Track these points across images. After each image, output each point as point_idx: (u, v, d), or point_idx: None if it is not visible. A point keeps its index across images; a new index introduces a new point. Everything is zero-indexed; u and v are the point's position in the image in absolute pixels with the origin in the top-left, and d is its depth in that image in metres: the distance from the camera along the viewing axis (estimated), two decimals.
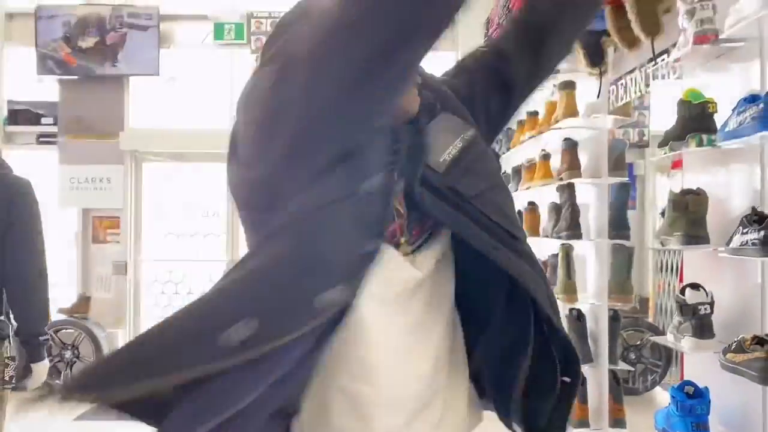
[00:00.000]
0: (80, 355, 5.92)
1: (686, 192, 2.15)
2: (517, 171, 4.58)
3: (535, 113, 4.17)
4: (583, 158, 3.54)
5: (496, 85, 1.17)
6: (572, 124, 3.42)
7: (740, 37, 2.00)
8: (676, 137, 2.19)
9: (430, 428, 1.00)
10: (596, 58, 3.08)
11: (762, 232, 1.68)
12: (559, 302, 3.47)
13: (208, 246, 6.72)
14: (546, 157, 3.88)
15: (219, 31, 6.43)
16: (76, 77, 6.43)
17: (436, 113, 1.04)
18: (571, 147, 3.45)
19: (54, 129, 6.47)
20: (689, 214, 2.10)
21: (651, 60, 2.55)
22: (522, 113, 4.51)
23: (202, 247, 6.72)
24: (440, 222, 1.01)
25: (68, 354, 5.88)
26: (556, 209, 3.62)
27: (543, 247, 4.01)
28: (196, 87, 6.65)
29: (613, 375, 3.28)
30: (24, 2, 6.47)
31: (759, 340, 1.75)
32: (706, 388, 2.14)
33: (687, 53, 2.12)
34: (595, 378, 3.34)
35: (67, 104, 6.45)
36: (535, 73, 1.21)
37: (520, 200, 4.59)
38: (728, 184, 2.17)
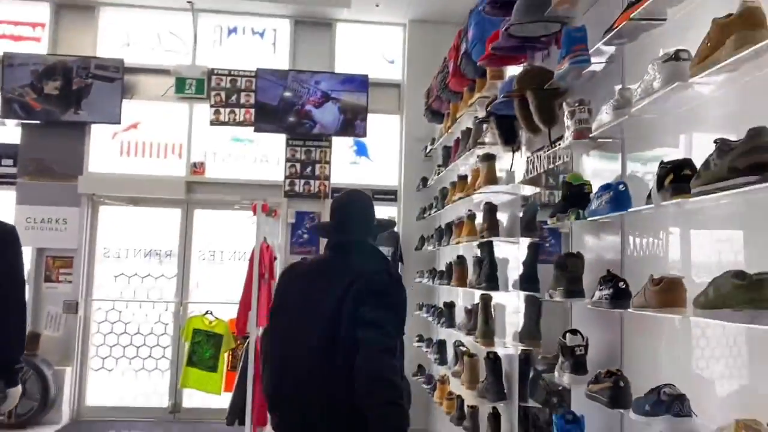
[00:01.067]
0: (25, 392, 6.04)
1: (567, 255, 2.67)
2: (449, 227, 5.10)
3: (465, 177, 4.71)
4: (503, 218, 4.08)
5: None
6: (492, 190, 3.97)
7: (607, 135, 2.55)
8: (561, 210, 2.72)
9: None
10: (510, 138, 3.64)
11: (611, 290, 2.19)
12: (478, 345, 3.95)
13: (159, 287, 6.97)
14: (471, 217, 4.42)
15: (180, 85, 6.86)
16: (38, 122, 6.72)
17: None
18: (490, 210, 3.99)
19: (13, 170, 6.71)
20: (569, 273, 2.62)
21: (550, 144, 3.11)
22: (454, 176, 5.08)
23: (153, 289, 6.97)
24: None
25: None
26: (478, 263, 4.13)
27: (467, 297, 4.48)
28: (155, 135, 7.00)
29: (524, 411, 3.73)
30: None
31: (610, 373, 2.24)
32: (582, 415, 2.62)
33: (569, 144, 2.68)
34: (508, 413, 3.80)
35: (28, 147, 6.72)
36: None
37: (451, 254, 5.11)
38: (600, 249, 2.71)
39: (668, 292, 1.84)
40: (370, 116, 6.93)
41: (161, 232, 6.96)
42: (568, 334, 2.63)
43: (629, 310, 2.11)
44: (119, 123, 6.77)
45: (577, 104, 2.64)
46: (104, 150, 6.91)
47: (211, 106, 6.85)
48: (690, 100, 2.03)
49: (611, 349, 2.58)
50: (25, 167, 6.69)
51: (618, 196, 2.22)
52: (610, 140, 2.61)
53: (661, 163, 1.95)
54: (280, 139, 6.95)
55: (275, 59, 7.12)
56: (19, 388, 2.81)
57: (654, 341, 2.30)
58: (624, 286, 2.19)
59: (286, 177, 6.91)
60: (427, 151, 6.51)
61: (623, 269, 2.51)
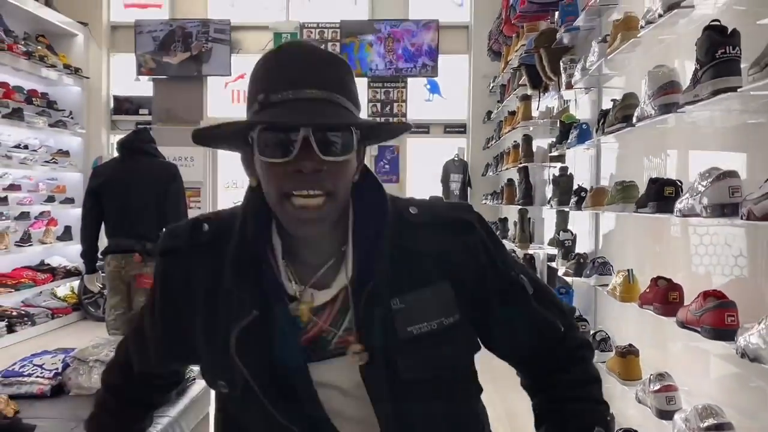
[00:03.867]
0: None
1: (561, 174, 3.66)
2: (502, 155, 6.07)
3: (513, 112, 5.64)
4: (543, 144, 5.02)
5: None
6: (527, 124, 4.91)
7: (588, 86, 3.47)
8: (558, 142, 3.69)
9: None
10: (537, 82, 4.55)
11: (575, 198, 3.19)
12: (516, 248, 5.00)
13: None
14: (516, 146, 5.37)
15: (277, 39, 8.01)
16: (165, 77, 8.13)
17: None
18: (527, 140, 4.94)
19: (149, 118, 8.19)
20: (561, 188, 3.61)
21: (558, 90, 4.03)
22: (505, 112, 6.01)
23: None
24: None
25: None
26: (519, 184, 5.12)
27: (513, 211, 5.50)
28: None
29: None
30: (125, 17, 8.20)
31: (578, 255, 3.27)
32: (572, 288, 3.67)
33: (564, 92, 3.62)
34: None
35: (159, 98, 8.17)
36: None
37: (504, 178, 6.10)
38: (582, 168, 3.67)
39: (594, 197, 2.83)
40: (441, 57, 7.85)
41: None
42: (561, 232, 3.65)
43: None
44: (230, 74, 8.07)
45: (569, 61, 3.56)
46: (219, 98, 8.26)
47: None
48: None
49: (588, 242, 3.59)
50: (158, 115, 8.16)
51: (582, 132, 3.18)
52: (592, 89, 3.53)
53: (600, 111, 2.90)
54: (362, 81, 8.02)
55: (357, 10, 8.10)
56: None
57: (618, 233, 3.29)
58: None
59: (369, 116, 8.01)
60: (491, 87, 7.39)
61: (598, 182, 3.48)
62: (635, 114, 2.35)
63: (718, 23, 1.83)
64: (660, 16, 2.15)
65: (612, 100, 2.59)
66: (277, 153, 0.91)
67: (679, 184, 2.16)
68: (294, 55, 0.96)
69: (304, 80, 0.92)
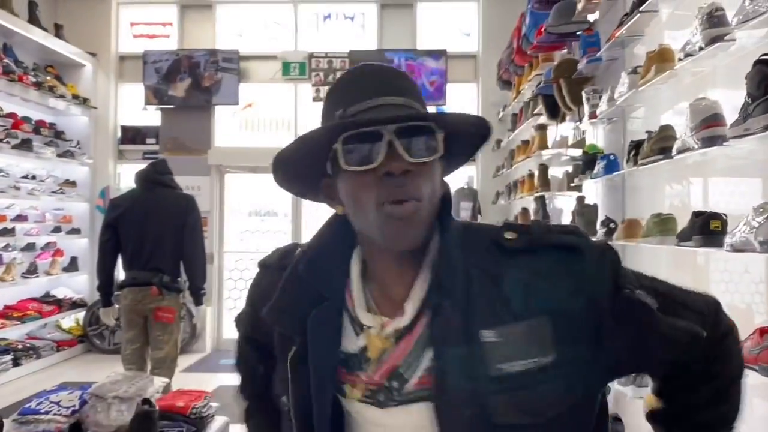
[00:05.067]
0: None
1: (584, 205, 3.62)
2: (515, 183, 6.05)
3: (527, 141, 5.64)
4: (558, 173, 5.00)
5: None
6: (544, 153, 4.89)
7: (612, 116, 3.46)
8: (581, 172, 3.66)
9: None
10: (554, 113, 4.54)
11: (604, 229, 3.15)
12: None
13: (277, 242, 8.35)
14: (531, 175, 5.35)
15: (286, 68, 8.05)
16: (172, 106, 8.13)
17: None
18: (542, 170, 4.92)
19: (156, 147, 8.18)
20: (585, 218, 3.58)
21: (579, 120, 4.02)
22: (519, 140, 6.00)
23: (273, 243, 8.35)
24: None
25: None
26: (534, 214, 5.09)
27: None
28: (266, 112, 8.27)
29: None
30: (133, 47, 8.24)
31: None
32: None
33: (584, 123, 3.60)
34: None
35: (167, 127, 8.17)
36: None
37: (518, 206, 6.07)
38: (604, 199, 3.64)
39: (628, 229, 2.79)
40: (449, 85, 7.87)
41: (276, 196, 8.27)
42: None
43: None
44: (238, 104, 8.08)
45: (592, 92, 3.55)
46: (227, 127, 8.26)
47: (312, 85, 8.00)
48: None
49: None
50: (165, 144, 8.14)
51: (609, 163, 3.16)
52: (615, 119, 3.52)
53: (631, 142, 2.88)
54: None
55: (365, 40, 8.15)
56: (204, 307, 4.12)
57: (646, 265, 3.24)
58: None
59: None
60: (500, 116, 7.40)
61: (625, 214, 3.44)
62: (675, 146, 2.32)
63: None
64: (701, 48, 2.13)
65: (647, 132, 2.58)
66: (364, 160, 0.89)
67: (724, 217, 2.12)
68: (366, 71, 0.97)
69: (381, 90, 0.93)
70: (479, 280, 0.91)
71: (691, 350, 0.96)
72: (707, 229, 2.10)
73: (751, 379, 1.98)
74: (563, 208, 4.95)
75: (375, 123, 0.88)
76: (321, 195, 1.01)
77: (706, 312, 0.98)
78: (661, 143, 2.40)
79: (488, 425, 0.87)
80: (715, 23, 2.08)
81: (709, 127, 2.09)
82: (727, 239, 1.96)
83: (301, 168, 0.99)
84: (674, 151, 2.32)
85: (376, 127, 0.88)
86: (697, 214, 2.19)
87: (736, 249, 1.91)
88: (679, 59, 2.33)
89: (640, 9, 2.72)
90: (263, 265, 1.11)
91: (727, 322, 1.00)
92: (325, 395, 0.94)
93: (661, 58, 2.43)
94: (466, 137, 0.99)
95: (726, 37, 2.04)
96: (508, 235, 0.95)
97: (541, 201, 4.90)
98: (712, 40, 2.08)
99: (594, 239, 3.00)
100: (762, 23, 1.85)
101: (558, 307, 0.89)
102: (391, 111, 0.90)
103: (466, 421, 0.87)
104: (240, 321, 1.15)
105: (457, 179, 7.76)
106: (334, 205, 0.99)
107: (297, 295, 0.98)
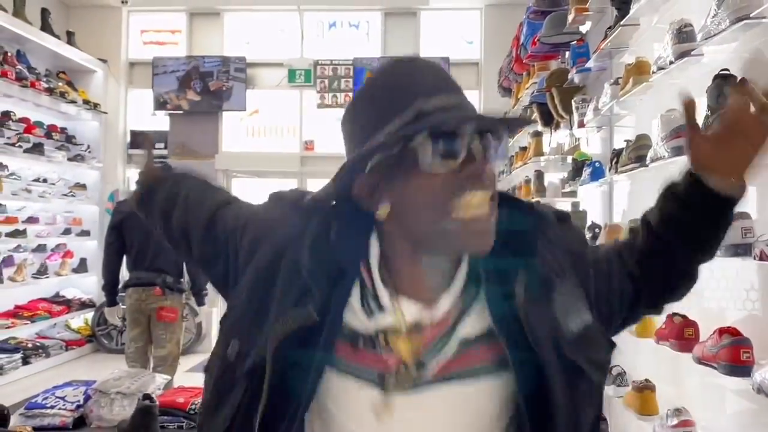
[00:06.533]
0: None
1: (574, 211, 3.73)
2: (513, 189, 6.15)
3: (525, 147, 5.74)
4: (555, 179, 5.10)
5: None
6: (539, 160, 5.00)
7: (600, 125, 3.57)
8: (571, 179, 3.77)
9: None
10: (548, 120, 4.65)
11: (590, 234, 3.26)
12: None
13: None
14: (527, 181, 5.45)
15: (291, 75, 8.20)
16: (181, 112, 8.31)
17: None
18: (538, 176, 5.02)
19: (164, 152, 8.34)
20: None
21: (570, 128, 4.13)
22: (517, 147, 6.11)
23: None
24: None
25: None
26: None
27: None
28: (273, 119, 8.43)
29: None
30: (142, 53, 8.42)
31: None
32: None
33: (575, 131, 3.71)
34: None
35: (175, 133, 8.34)
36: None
37: None
38: (594, 205, 3.74)
39: (609, 234, 2.90)
40: None
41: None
42: None
43: None
44: (245, 110, 8.24)
45: (581, 101, 3.66)
46: (234, 132, 8.42)
47: (317, 92, 8.15)
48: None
49: None
50: (173, 149, 8.31)
51: (595, 170, 3.27)
52: (603, 127, 3.62)
53: (613, 150, 2.99)
54: None
55: (369, 48, 8.29)
56: (207, 308, 4.26)
57: None
58: None
59: None
60: None
61: (612, 219, 3.55)
62: (649, 155, 2.43)
63: (727, 71, 1.92)
64: (671, 63, 2.24)
65: (625, 140, 2.69)
66: (446, 160, 0.85)
67: None
68: (419, 65, 0.93)
69: (445, 87, 0.89)
70: (512, 257, 0.92)
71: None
72: None
73: (712, 378, 2.09)
74: None
75: (454, 132, 0.85)
76: (349, 195, 0.93)
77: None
78: (638, 152, 2.51)
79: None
80: (684, 38, 2.20)
81: (679, 137, 2.20)
82: None
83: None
84: (648, 160, 2.43)
85: (463, 127, 0.85)
86: None
87: None
88: (653, 72, 2.44)
89: (621, 23, 2.83)
90: (274, 197, 1.09)
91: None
92: (316, 363, 0.90)
93: (638, 71, 2.55)
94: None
95: (693, 52, 2.15)
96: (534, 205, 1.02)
97: None
98: (680, 55, 2.19)
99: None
100: (722, 39, 1.96)
101: (578, 264, 0.97)
102: (466, 111, 0.88)
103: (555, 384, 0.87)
104: (240, 210, 1.13)
105: None
106: (374, 205, 0.91)
107: (326, 255, 0.93)
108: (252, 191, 8.45)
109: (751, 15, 1.81)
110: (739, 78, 1.89)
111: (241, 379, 0.93)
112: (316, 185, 1.05)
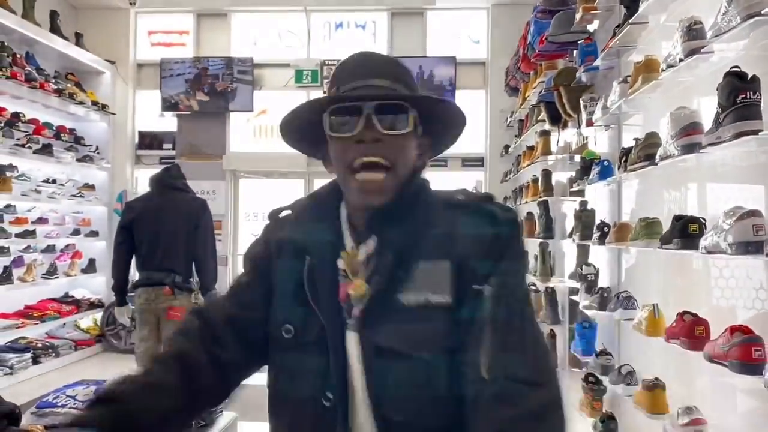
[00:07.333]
0: None
1: (582, 209, 3.72)
2: (521, 188, 6.15)
3: (532, 147, 5.73)
4: (562, 178, 5.09)
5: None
6: (547, 159, 4.99)
7: (608, 123, 3.56)
8: (579, 177, 3.76)
9: None
10: (556, 119, 4.64)
11: (598, 233, 3.25)
12: (537, 281, 5.03)
13: None
14: (535, 180, 5.45)
15: (299, 76, 8.21)
16: (189, 113, 8.33)
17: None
18: (546, 175, 5.01)
19: (172, 152, 8.38)
20: (584, 222, 3.67)
21: (578, 127, 4.12)
22: (524, 146, 6.10)
23: None
24: None
25: None
26: (539, 218, 5.18)
27: (532, 244, 5.59)
28: (280, 119, 8.41)
29: (571, 331, 4.81)
30: (150, 55, 8.46)
31: (600, 290, 3.31)
32: (595, 322, 3.70)
33: (583, 129, 3.70)
34: (561, 333, 4.89)
35: (183, 133, 8.37)
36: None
37: (524, 211, 6.17)
38: (603, 203, 3.73)
39: (618, 233, 2.90)
40: (458, 92, 7.99)
41: (289, 199, 8.40)
42: (583, 266, 3.70)
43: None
44: (251, 110, 8.26)
45: (589, 100, 3.66)
46: (241, 133, 8.44)
47: (324, 92, 8.13)
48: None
49: (611, 275, 3.63)
50: (181, 149, 8.34)
51: (603, 169, 3.26)
52: (611, 125, 3.62)
53: (622, 148, 2.98)
54: None
55: (375, 48, 8.29)
56: None
57: (641, 267, 3.33)
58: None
59: None
60: (508, 122, 7.50)
61: (621, 218, 3.54)
62: (658, 153, 2.43)
63: (738, 69, 1.91)
64: (681, 60, 2.24)
65: (635, 139, 2.68)
66: (345, 129, 1.07)
67: (702, 221, 2.22)
68: (358, 57, 1.16)
69: (370, 73, 1.11)
70: (414, 230, 1.08)
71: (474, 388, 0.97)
72: (686, 232, 2.20)
73: (723, 376, 2.08)
74: (567, 212, 5.03)
75: (356, 99, 1.06)
76: (321, 155, 1.20)
77: (541, 371, 0.98)
78: (647, 150, 2.51)
79: (373, 347, 1.04)
80: (694, 36, 2.19)
81: (688, 135, 2.20)
82: (702, 242, 2.06)
83: (303, 132, 1.19)
84: (657, 158, 2.42)
85: (358, 103, 1.06)
86: (677, 218, 2.30)
87: (708, 251, 2.01)
88: (663, 70, 2.43)
89: (630, 21, 2.83)
90: (272, 216, 1.31)
91: (539, 411, 0.94)
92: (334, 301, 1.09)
93: (647, 69, 2.55)
94: (447, 122, 1.16)
95: (703, 50, 2.15)
96: (459, 196, 1.14)
97: (544, 206, 5.00)
98: (690, 52, 2.19)
99: (587, 243, 3.04)
100: (733, 36, 1.96)
101: (462, 258, 1.04)
102: (373, 91, 1.09)
103: (371, 340, 1.04)
104: (249, 253, 1.30)
105: (465, 184, 7.86)
106: (327, 165, 1.18)
107: (309, 219, 1.20)
108: (259, 191, 8.49)
109: (762, 12, 1.80)
110: (749, 75, 1.89)
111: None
112: (321, 184, 1.30)
